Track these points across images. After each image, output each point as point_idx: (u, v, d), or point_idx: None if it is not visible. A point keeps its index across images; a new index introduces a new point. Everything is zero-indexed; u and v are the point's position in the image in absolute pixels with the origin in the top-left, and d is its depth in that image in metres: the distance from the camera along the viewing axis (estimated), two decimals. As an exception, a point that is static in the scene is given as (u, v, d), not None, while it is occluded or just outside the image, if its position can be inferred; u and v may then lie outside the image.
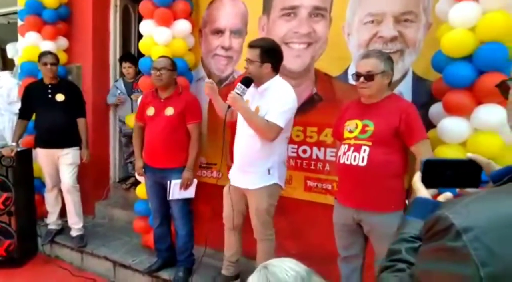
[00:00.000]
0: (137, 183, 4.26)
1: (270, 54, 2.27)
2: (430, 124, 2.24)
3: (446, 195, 0.82)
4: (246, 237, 2.66)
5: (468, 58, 1.97)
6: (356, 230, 2.08)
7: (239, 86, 2.19)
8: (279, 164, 2.37)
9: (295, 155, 2.84)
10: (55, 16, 3.83)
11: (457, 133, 2.01)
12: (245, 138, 2.33)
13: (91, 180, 4.04)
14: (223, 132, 2.41)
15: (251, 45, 2.27)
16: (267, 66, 2.26)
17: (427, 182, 0.83)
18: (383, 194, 1.93)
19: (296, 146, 2.83)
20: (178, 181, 2.69)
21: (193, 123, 2.72)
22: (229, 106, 2.26)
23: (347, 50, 2.64)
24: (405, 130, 1.91)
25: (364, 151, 1.92)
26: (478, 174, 0.80)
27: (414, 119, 1.93)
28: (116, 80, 4.14)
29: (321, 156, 2.77)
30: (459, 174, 0.80)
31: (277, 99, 2.23)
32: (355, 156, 1.94)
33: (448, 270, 0.49)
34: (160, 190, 2.80)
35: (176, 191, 2.69)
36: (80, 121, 3.43)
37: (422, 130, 1.96)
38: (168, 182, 2.68)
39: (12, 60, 4.74)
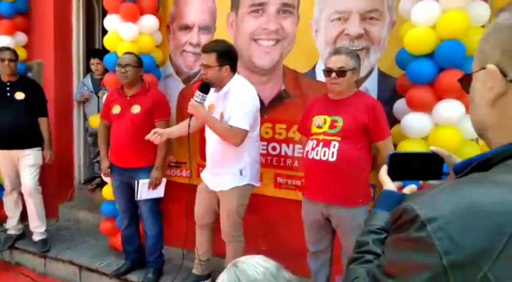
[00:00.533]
0: (103, 183, 4.15)
1: (227, 56, 2.24)
2: (394, 120, 2.31)
3: (411, 187, 0.84)
4: (217, 236, 2.65)
5: (430, 56, 2.04)
6: (324, 225, 2.11)
7: (198, 94, 2.15)
8: (251, 164, 2.37)
9: (265, 152, 2.84)
10: (13, 9, 3.64)
11: (419, 128, 2.08)
12: (214, 143, 2.31)
13: (54, 181, 3.88)
14: (188, 138, 2.32)
15: (206, 50, 2.22)
16: (227, 68, 2.24)
17: (393, 175, 0.84)
18: (351, 188, 1.97)
19: (265, 143, 2.83)
20: (146, 181, 2.62)
21: (161, 121, 2.66)
22: (191, 116, 2.21)
23: (315, 47, 2.67)
24: (373, 127, 1.97)
25: (334, 146, 1.95)
26: (440, 166, 0.82)
27: (381, 117, 2.00)
28: (84, 77, 3.98)
29: (289, 153, 2.79)
30: (422, 166, 0.82)
31: (237, 102, 2.20)
32: (324, 151, 1.96)
33: (413, 259, 0.50)
34: (128, 190, 2.73)
35: (144, 190, 2.63)
36: (42, 121, 3.28)
37: (387, 128, 2.04)
38: (136, 182, 2.61)
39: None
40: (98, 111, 3.88)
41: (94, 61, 3.93)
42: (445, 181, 0.81)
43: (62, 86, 3.92)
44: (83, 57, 4.05)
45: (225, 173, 2.31)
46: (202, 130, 3.02)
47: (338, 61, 1.99)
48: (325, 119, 2.03)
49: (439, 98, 2.04)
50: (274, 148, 2.82)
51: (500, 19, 0.57)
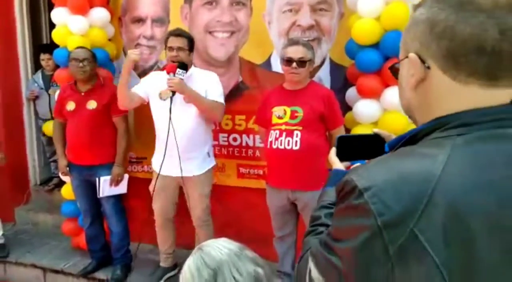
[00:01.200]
0: (61, 183, 4.02)
1: (193, 44, 2.38)
2: (347, 107, 2.44)
3: (357, 166, 0.94)
4: (179, 228, 2.70)
5: (375, 46, 2.17)
6: (290, 209, 2.24)
7: (180, 71, 2.20)
8: (211, 146, 2.53)
9: (226, 143, 2.90)
10: None
11: (369, 114, 2.22)
12: (185, 127, 2.33)
13: (8, 184, 3.72)
14: (169, 123, 2.28)
15: (179, 34, 2.32)
16: (192, 55, 2.38)
17: (341, 156, 0.93)
18: (314, 173, 2.10)
19: (226, 135, 2.88)
20: (108, 177, 2.60)
21: (119, 116, 2.63)
22: (173, 93, 2.22)
23: (269, 38, 2.73)
24: (329, 116, 2.11)
25: (297, 136, 2.06)
26: (382, 146, 0.92)
27: (335, 106, 2.15)
28: (35, 73, 3.80)
29: (250, 143, 2.86)
30: (366, 147, 0.92)
31: (212, 81, 2.36)
32: (288, 141, 2.07)
33: (354, 223, 0.59)
34: (89, 188, 2.69)
35: (106, 187, 2.60)
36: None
37: (341, 116, 2.19)
38: (97, 179, 2.58)
39: None
40: (50, 109, 3.75)
41: (44, 56, 3.76)
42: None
43: (9, 84, 3.73)
44: (30, 53, 3.86)
45: (197, 156, 2.38)
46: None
47: (297, 52, 2.07)
48: (284, 110, 2.12)
49: (386, 85, 2.18)
50: (235, 139, 2.88)
51: (417, 14, 0.66)
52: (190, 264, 1.00)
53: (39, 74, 3.84)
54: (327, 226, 0.80)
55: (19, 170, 3.86)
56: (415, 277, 0.53)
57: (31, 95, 3.76)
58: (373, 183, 0.57)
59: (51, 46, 3.85)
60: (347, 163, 0.98)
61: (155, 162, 2.51)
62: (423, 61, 0.63)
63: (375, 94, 2.20)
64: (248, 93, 2.81)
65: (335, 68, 2.60)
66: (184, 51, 2.30)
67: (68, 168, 2.70)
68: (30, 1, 3.82)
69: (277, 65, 2.74)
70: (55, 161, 4.00)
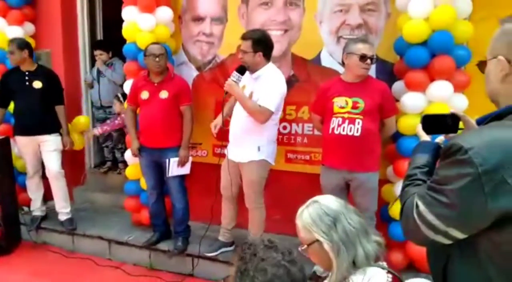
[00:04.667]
0: (114, 166, 4.40)
1: (260, 43, 2.57)
2: (393, 99, 2.70)
3: (440, 138, 1.22)
4: (239, 209, 2.98)
5: (424, 44, 2.43)
6: (343, 188, 2.54)
7: (235, 74, 2.50)
8: (268, 143, 2.70)
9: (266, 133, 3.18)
10: (21, 0, 3.74)
11: (416, 105, 2.48)
12: (239, 119, 2.65)
13: (67, 166, 4.06)
14: (222, 114, 2.69)
15: (244, 38, 2.56)
16: (260, 55, 2.57)
17: (426, 130, 1.21)
18: (370, 157, 2.42)
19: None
20: (176, 159, 2.92)
21: (186, 105, 2.94)
22: (226, 92, 2.54)
23: (319, 36, 3.01)
24: (385, 106, 2.40)
25: (358, 123, 2.37)
26: (457, 123, 1.19)
27: (391, 98, 2.46)
28: (93, 67, 4.19)
29: (299, 131, 3.15)
30: (445, 124, 1.19)
31: (268, 86, 2.55)
32: (350, 127, 2.37)
33: (460, 172, 0.87)
34: (156, 169, 3.01)
35: (174, 168, 2.92)
36: (59, 109, 3.47)
37: (396, 107, 2.48)
38: (167, 160, 2.90)
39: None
40: (99, 98, 4.13)
41: (97, 52, 4.11)
42: (472, 129, 1.16)
43: (71, 74, 4.08)
44: (88, 47, 4.21)
45: (246, 147, 2.65)
46: (218, 112, 3.33)
47: (370, 49, 2.36)
48: (346, 101, 2.41)
49: (432, 79, 2.44)
50: (284, 127, 3.17)
51: (506, 26, 0.95)
52: (310, 212, 1.28)
53: (94, 67, 4.20)
54: (423, 180, 1.09)
55: (76, 154, 4.21)
56: (504, 205, 0.82)
57: (86, 82, 4.16)
58: (475, 144, 0.86)
59: (104, 43, 4.22)
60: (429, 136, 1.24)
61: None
62: (509, 62, 0.92)
63: (421, 88, 2.46)
64: (298, 86, 3.09)
65: (381, 63, 2.86)
66: (248, 53, 2.53)
67: (139, 150, 3.02)
68: (89, 1, 4.16)
69: (326, 61, 3.03)
70: (108, 147, 4.38)
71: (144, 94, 2.91)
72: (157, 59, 2.79)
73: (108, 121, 3.93)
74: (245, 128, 2.64)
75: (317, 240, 1.25)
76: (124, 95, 3.86)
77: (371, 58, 2.36)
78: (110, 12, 4.50)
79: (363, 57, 2.35)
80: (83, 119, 3.85)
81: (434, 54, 2.41)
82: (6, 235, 3.35)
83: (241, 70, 2.52)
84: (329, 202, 1.30)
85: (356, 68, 2.40)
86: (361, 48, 2.36)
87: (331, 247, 1.23)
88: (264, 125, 2.60)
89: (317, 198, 1.34)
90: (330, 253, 1.24)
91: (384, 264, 1.28)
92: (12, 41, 3.32)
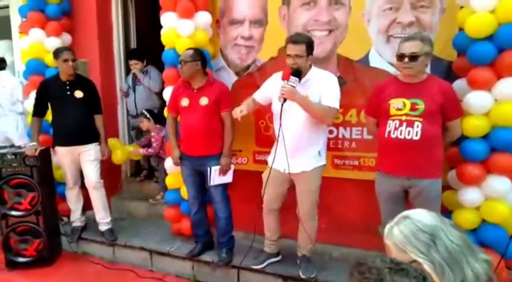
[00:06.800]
0: (150, 175, 4.35)
1: (310, 47, 2.46)
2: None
3: None
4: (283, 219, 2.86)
5: (489, 38, 2.24)
6: (401, 197, 2.35)
7: (293, 79, 2.34)
8: (324, 146, 2.61)
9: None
10: (59, 11, 3.77)
11: (482, 105, 2.29)
12: (297, 127, 2.47)
13: (104, 175, 4.04)
14: (279, 127, 2.47)
15: (296, 41, 2.42)
16: (311, 58, 2.47)
17: None
18: (431, 162, 2.22)
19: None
20: (217, 167, 2.81)
21: (227, 111, 2.81)
22: (284, 100, 2.36)
23: (367, 35, 2.85)
24: (449, 108, 2.20)
25: (417, 126, 2.17)
26: None
27: (456, 98, 2.24)
28: (127, 75, 4.17)
29: (347, 135, 3.00)
30: None
31: (327, 85, 2.45)
32: (409, 131, 2.18)
33: None
34: (198, 177, 2.92)
35: (216, 176, 2.81)
36: (98, 118, 3.45)
37: (461, 108, 2.27)
38: (208, 169, 2.79)
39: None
40: (135, 106, 4.10)
41: (132, 62, 4.09)
42: None
43: (107, 84, 4.08)
44: (123, 56, 4.20)
45: (307, 154, 2.51)
46: (258, 119, 3.22)
47: (411, 47, 2.17)
48: (404, 103, 2.22)
49: (499, 76, 2.24)
50: (331, 131, 3.02)
51: None
52: (402, 229, 1.13)
53: (130, 75, 4.18)
54: None
55: (112, 163, 4.18)
56: None
57: (121, 91, 4.15)
58: None
59: (139, 52, 4.20)
60: None
61: (270, 156, 2.70)
62: None
63: (487, 86, 2.27)
64: (345, 88, 2.92)
65: (436, 61, 2.67)
66: (302, 57, 2.39)
67: (180, 159, 2.94)
68: (123, 10, 4.15)
69: (374, 61, 2.88)
70: (144, 156, 4.33)
71: (184, 102, 2.83)
72: (179, 65, 2.76)
73: (142, 138, 3.97)
74: (306, 136, 2.50)
75: (415, 261, 1.10)
76: (150, 112, 3.85)
77: (412, 56, 2.16)
78: (143, 20, 4.52)
79: (400, 57, 2.20)
80: (114, 142, 3.84)
81: (501, 49, 2.21)
82: (48, 246, 3.32)
83: (298, 74, 2.36)
84: (422, 216, 1.15)
85: (400, 68, 2.27)
86: (402, 47, 2.21)
87: (433, 268, 1.08)
88: (321, 128, 2.53)
89: (407, 213, 1.19)
90: (432, 275, 1.08)
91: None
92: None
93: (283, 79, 2.40)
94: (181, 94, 2.87)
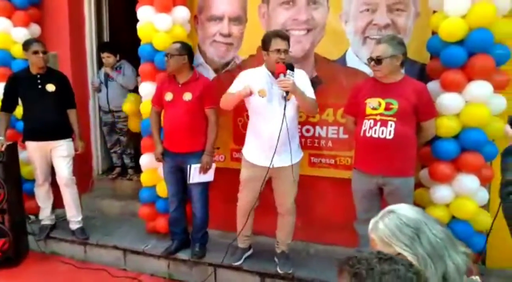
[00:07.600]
0: (123, 172, 4.24)
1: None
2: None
3: None
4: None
5: (460, 42, 2.34)
6: (376, 194, 2.41)
7: (290, 73, 2.36)
8: (298, 138, 2.75)
9: (299, 134, 3.06)
10: (26, 0, 3.59)
11: (453, 106, 2.39)
12: (285, 120, 2.43)
13: (74, 172, 3.91)
14: (283, 120, 2.42)
15: (285, 37, 2.46)
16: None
17: None
18: (405, 161, 2.29)
19: (300, 126, 3.05)
20: (198, 165, 2.76)
21: (211, 108, 2.78)
22: (287, 93, 2.36)
23: (345, 36, 2.91)
24: (422, 108, 2.27)
25: (391, 126, 2.24)
26: None
27: (429, 99, 2.31)
28: (99, 69, 4.03)
29: (323, 134, 3.04)
30: None
31: (306, 80, 2.53)
32: (382, 130, 2.24)
33: None
34: (178, 174, 2.87)
35: (196, 174, 2.77)
36: (72, 112, 3.34)
37: (435, 109, 2.35)
38: (188, 166, 2.75)
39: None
40: (107, 101, 3.99)
41: (104, 55, 3.96)
42: None
43: (78, 78, 3.93)
44: (95, 50, 4.06)
45: (292, 147, 2.53)
46: (236, 116, 3.21)
47: (376, 50, 2.26)
48: (379, 102, 2.29)
49: (470, 79, 2.35)
50: (308, 130, 3.06)
51: None
52: (387, 223, 1.16)
53: (102, 70, 4.05)
54: None
55: (84, 160, 4.05)
56: None
57: (93, 86, 4.01)
58: None
59: (111, 45, 4.08)
60: None
61: (247, 153, 2.69)
62: None
63: (458, 88, 2.37)
64: (322, 88, 2.98)
65: (410, 63, 2.76)
66: (288, 53, 2.47)
67: (162, 155, 2.87)
68: (96, 2, 4.01)
69: (351, 61, 2.93)
70: (116, 152, 4.22)
71: (168, 96, 2.77)
72: (165, 58, 2.70)
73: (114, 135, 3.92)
74: (293, 129, 2.58)
75: (399, 254, 1.14)
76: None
77: (378, 59, 2.24)
78: (117, 13, 4.39)
79: (368, 60, 2.32)
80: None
81: (471, 53, 2.32)
82: (14, 245, 3.17)
83: (291, 67, 2.39)
84: (406, 211, 1.18)
85: (372, 70, 2.38)
86: (372, 50, 2.32)
87: (416, 260, 1.11)
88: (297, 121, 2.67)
89: (392, 207, 1.22)
90: None
91: (478, 278, 1.16)
92: None
93: (278, 73, 2.37)
94: (166, 89, 2.81)
